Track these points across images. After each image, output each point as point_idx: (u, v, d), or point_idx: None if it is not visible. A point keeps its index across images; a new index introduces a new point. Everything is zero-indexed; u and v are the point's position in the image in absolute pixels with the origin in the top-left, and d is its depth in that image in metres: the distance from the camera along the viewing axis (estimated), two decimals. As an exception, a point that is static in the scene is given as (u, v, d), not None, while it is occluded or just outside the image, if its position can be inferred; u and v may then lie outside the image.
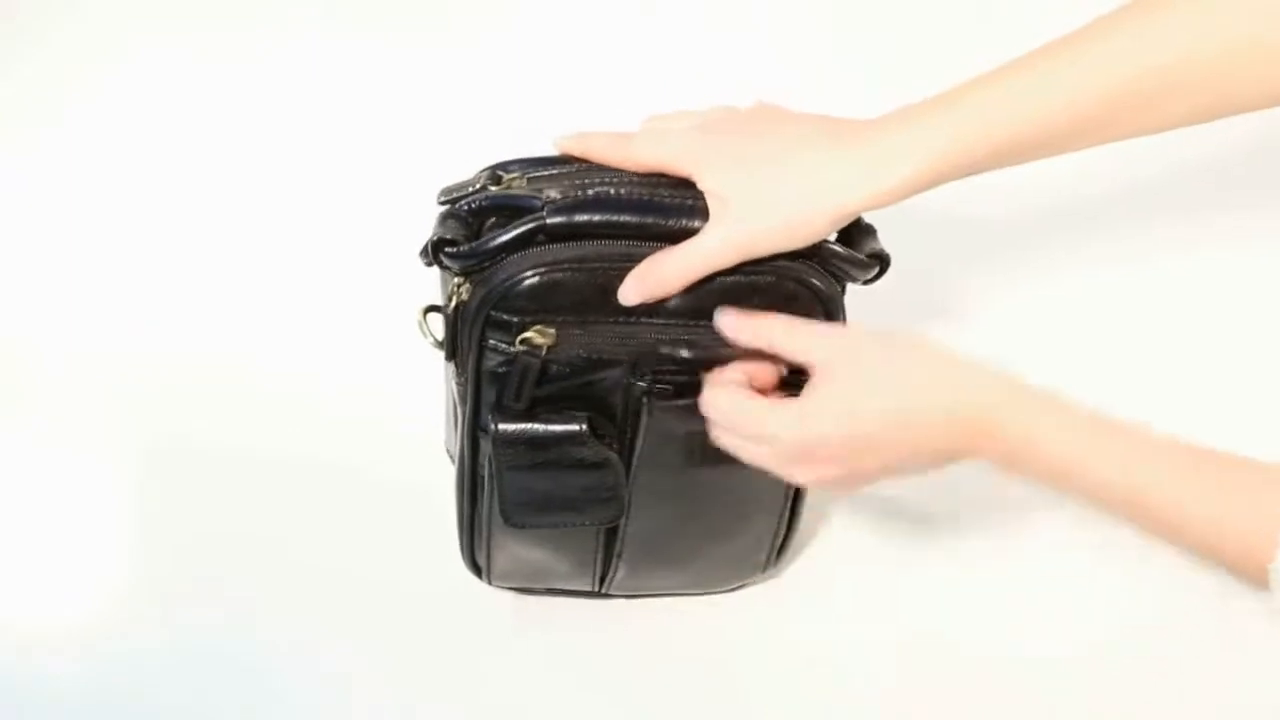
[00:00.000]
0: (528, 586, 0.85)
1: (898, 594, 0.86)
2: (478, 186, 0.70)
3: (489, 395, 0.71)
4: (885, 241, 0.70)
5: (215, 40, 1.07)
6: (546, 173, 0.70)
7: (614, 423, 0.72)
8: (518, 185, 0.69)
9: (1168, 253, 0.96)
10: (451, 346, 0.71)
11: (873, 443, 0.66)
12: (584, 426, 0.71)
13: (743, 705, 0.81)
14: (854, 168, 0.66)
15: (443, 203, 0.70)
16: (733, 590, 0.86)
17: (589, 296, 0.68)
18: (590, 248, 0.67)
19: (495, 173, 0.70)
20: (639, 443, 0.73)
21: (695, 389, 0.70)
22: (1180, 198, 0.96)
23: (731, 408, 0.69)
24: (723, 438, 0.70)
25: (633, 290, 0.67)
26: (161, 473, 0.91)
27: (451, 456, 0.80)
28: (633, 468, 0.74)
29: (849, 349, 0.68)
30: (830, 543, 0.89)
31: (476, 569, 0.82)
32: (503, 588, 0.84)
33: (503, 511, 0.73)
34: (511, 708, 0.81)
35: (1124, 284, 0.96)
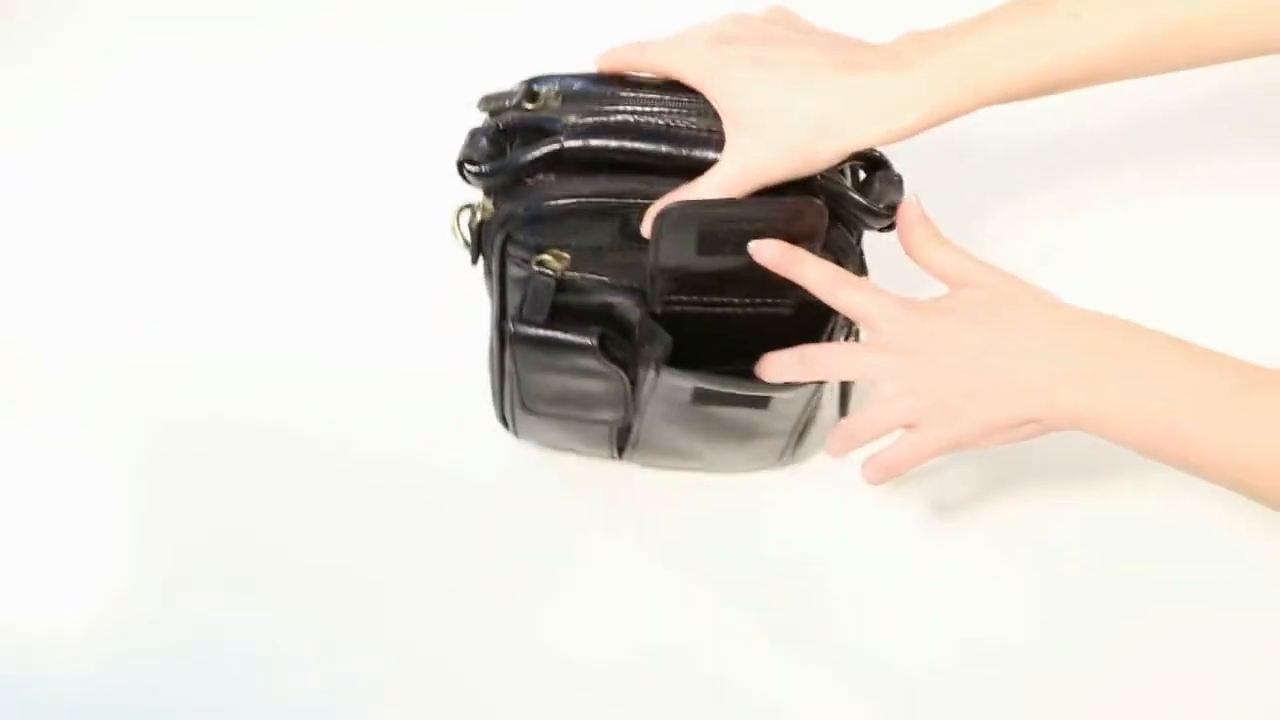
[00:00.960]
0: (554, 445, 0.89)
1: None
2: (512, 102, 0.72)
3: (514, 298, 0.74)
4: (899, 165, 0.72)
5: (215, 40, 1.07)
6: (583, 89, 0.72)
7: (630, 340, 0.75)
8: (551, 104, 0.71)
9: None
10: (475, 254, 0.74)
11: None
12: (594, 341, 0.74)
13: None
14: (869, 104, 0.67)
15: (481, 109, 0.73)
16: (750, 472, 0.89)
17: (605, 229, 0.71)
18: (609, 183, 0.70)
19: (531, 88, 0.72)
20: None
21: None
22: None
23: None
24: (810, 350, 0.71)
25: (650, 226, 0.69)
26: (162, 472, 0.91)
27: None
28: (641, 390, 0.77)
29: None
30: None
31: (504, 422, 0.86)
32: (528, 440, 0.89)
33: (522, 400, 0.81)
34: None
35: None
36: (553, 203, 0.70)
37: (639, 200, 0.70)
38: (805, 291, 0.70)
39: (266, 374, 0.94)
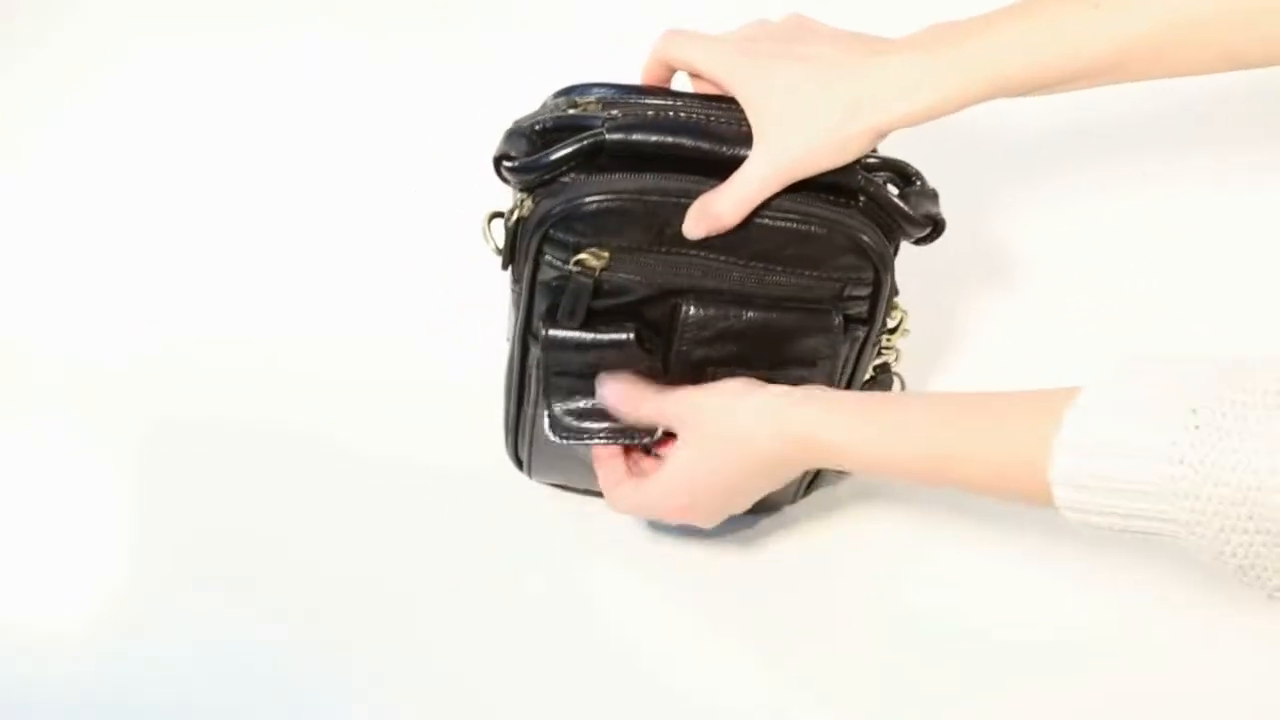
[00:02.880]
0: (566, 485, 0.88)
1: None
2: (551, 109, 0.72)
3: (541, 305, 0.74)
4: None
5: (215, 40, 1.07)
6: (622, 96, 0.72)
7: (661, 337, 0.75)
8: (590, 108, 0.71)
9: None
10: (509, 256, 0.74)
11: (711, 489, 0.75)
12: (631, 336, 0.73)
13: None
14: (892, 82, 0.68)
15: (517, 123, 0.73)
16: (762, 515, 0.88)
17: (645, 227, 0.70)
18: (650, 181, 0.70)
19: (571, 97, 0.73)
20: (672, 371, 0.76)
21: (734, 321, 0.74)
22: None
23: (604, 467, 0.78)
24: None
25: (694, 227, 0.70)
26: (161, 472, 0.91)
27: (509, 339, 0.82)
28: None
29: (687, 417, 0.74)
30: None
31: (519, 462, 0.85)
32: (543, 483, 0.87)
33: (551, 423, 0.76)
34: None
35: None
36: (593, 199, 0.69)
37: (679, 199, 0.70)
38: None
39: (266, 374, 0.94)
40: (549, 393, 0.76)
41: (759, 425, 0.72)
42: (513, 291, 0.75)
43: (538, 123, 0.72)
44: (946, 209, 0.73)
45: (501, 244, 0.74)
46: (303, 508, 0.89)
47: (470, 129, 1.00)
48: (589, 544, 0.88)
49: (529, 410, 0.80)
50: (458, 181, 0.89)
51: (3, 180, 1.02)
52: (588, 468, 0.80)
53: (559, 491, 0.89)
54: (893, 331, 0.78)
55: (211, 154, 1.03)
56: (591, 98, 0.72)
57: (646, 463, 0.79)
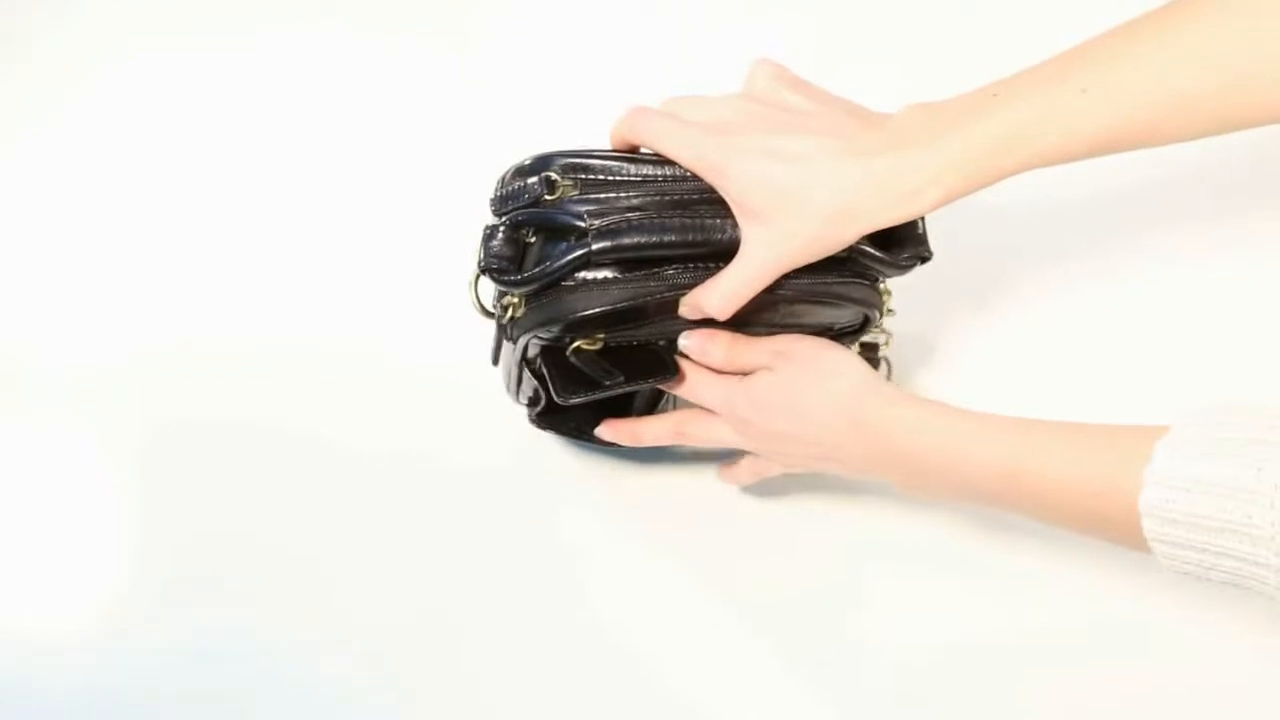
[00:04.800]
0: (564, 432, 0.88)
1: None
2: (527, 194, 0.72)
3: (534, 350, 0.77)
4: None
5: (215, 40, 1.07)
6: (594, 177, 0.72)
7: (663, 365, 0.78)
8: (567, 192, 0.71)
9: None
10: (496, 354, 0.77)
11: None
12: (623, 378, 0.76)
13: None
14: (887, 189, 0.67)
15: (493, 209, 0.74)
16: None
17: (638, 316, 0.73)
18: (640, 285, 0.71)
19: (546, 175, 0.71)
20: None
21: None
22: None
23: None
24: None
25: (688, 314, 0.73)
26: (162, 472, 0.91)
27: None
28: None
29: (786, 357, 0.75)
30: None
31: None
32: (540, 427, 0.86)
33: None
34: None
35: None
36: (587, 313, 0.71)
37: (671, 294, 0.72)
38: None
39: (266, 374, 0.94)
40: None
41: (852, 369, 0.73)
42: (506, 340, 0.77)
43: (516, 216, 0.72)
44: (932, 218, 0.72)
45: (488, 305, 0.75)
46: (303, 508, 0.89)
47: (470, 129, 1.02)
48: (590, 542, 0.88)
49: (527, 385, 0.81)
50: (458, 181, 0.88)
51: (2, 180, 1.02)
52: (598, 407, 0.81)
53: (562, 488, 0.89)
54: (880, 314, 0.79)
55: (211, 154, 1.03)
56: (569, 175, 0.71)
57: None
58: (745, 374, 0.76)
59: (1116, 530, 0.61)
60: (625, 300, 0.71)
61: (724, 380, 0.77)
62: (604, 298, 0.71)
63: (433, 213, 0.98)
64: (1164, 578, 0.79)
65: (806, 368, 0.74)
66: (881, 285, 0.77)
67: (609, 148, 0.74)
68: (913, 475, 0.71)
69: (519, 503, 0.89)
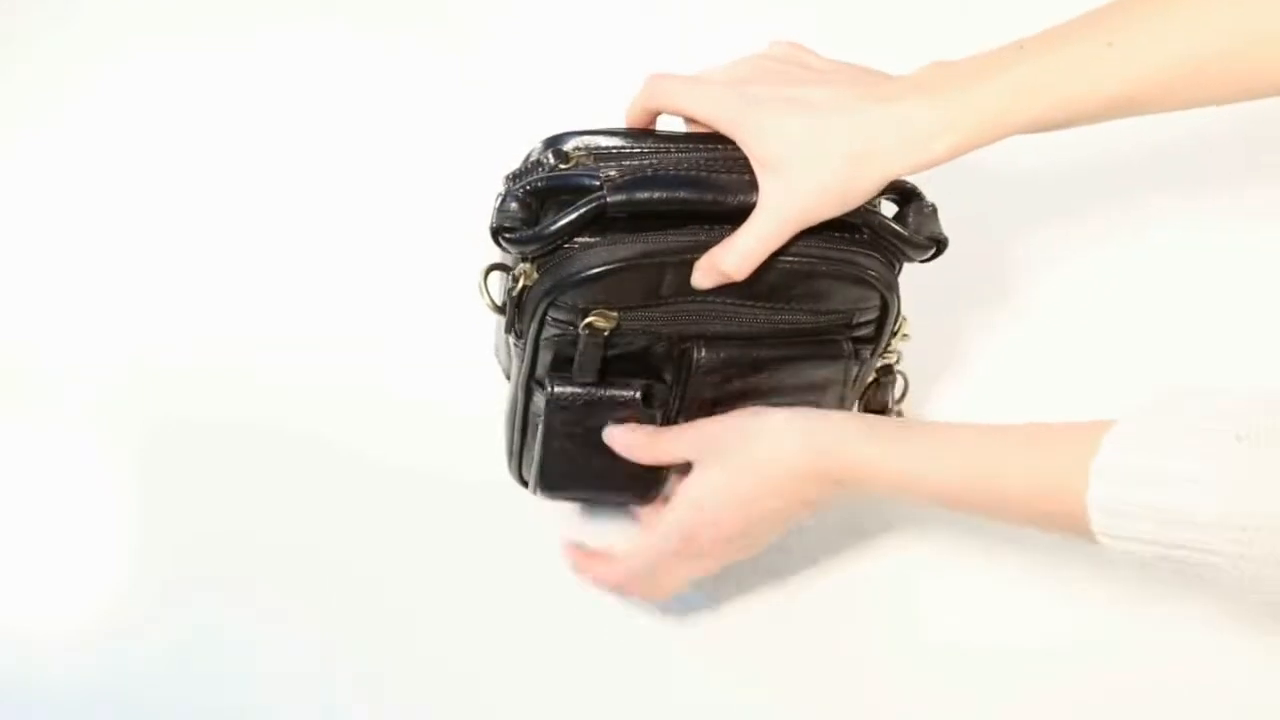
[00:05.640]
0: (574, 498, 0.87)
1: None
2: (542, 166, 0.70)
3: (545, 358, 0.73)
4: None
5: (215, 40, 1.07)
6: (608, 144, 0.70)
7: (667, 385, 0.75)
8: (582, 162, 0.70)
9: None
10: (511, 324, 0.73)
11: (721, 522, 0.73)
12: (638, 394, 0.74)
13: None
14: (901, 133, 0.66)
15: (507, 186, 0.71)
16: None
17: (652, 284, 0.70)
18: (654, 242, 0.69)
19: (558, 148, 0.70)
20: (686, 410, 0.76)
21: (745, 360, 0.74)
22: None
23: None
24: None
25: (702, 280, 0.70)
26: (162, 473, 0.91)
27: (500, 362, 0.82)
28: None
29: (701, 444, 0.74)
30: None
31: (523, 482, 0.83)
32: (547, 497, 0.85)
33: (543, 479, 0.78)
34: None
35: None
36: (600, 269, 0.69)
37: (685, 256, 0.69)
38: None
39: (266, 374, 0.94)
40: (546, 458, 0.77)
41: (785, 439, 0.71)
42: (515, 346, 0.75)
43: (530, 183, 0.69)
44: (946, 223, 0.72)
45: (498, 300, 0.73)
46: (303, 509, 0.89)
47: (470, 129, 1.02)
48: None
49: (532, 444, 0.79)
50: (458, 181, 0.89)
51: (2, 180, 1.02)
52: (597, 474, 0.79)
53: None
54: (894, 334, 0.77)
55: (212, 154, 1.03)
56: (581, 148, 0.70)
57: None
58: (665, 468, 0.76)
59: (1072, 527, 0.61)
60: (636, 257, 0.68)
61: (652, 530, 0.76)
62: (614, 253, 0.68)
63: (433, 213, 0.98)
64: (1164, 577, 0.80)
65: (733, 452, 0.72)
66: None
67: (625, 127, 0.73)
68: (880, 496, 0.72)
69: (519, 502, 0.89)
